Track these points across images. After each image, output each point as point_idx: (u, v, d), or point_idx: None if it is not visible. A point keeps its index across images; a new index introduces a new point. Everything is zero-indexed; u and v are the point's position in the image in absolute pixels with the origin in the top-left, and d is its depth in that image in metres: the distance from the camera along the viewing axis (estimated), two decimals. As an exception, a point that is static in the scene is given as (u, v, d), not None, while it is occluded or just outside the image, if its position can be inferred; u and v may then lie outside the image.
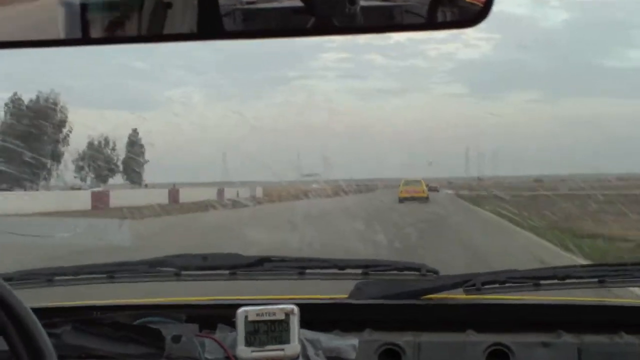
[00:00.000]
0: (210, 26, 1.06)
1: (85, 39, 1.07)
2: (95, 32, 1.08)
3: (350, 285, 2.37)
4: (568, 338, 2.04)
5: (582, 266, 2.46)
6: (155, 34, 1.07)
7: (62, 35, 1.07)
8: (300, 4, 1.08)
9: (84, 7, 1.07)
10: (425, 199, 41.39)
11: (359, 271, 2.43)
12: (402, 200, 41.46)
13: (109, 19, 1.08)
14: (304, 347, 1.98)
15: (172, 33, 1.08)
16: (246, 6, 1.09)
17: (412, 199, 40.51)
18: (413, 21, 1.09)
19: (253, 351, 1.91)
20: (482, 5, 1.06)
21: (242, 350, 1.92)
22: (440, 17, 1.09)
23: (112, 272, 2.46)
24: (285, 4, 1.10)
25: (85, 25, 1.07)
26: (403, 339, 2.07)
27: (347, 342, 2.05)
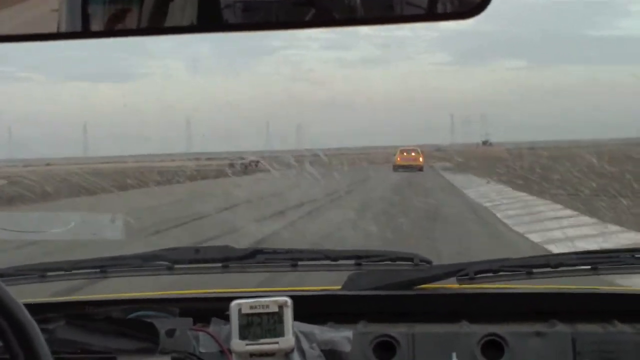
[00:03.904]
0: (211, 18, 1.05)
1: (85, 33, 1.06)
2: (95, 26, 1.07)
3: (343, 276, 2.37)
4: (562, 327, 2.05)
5: (575, 253, 2.46)
6: (156, 27, 1.07)
7: (63, 28, 1.06)
8: None
9: (84, 1, 1.06)
10: (420, 169, 39.85)
11: (352, 262, 2.43)
12: (397, 168, 40.23)
13: (109, 12, 1.08)
14: (298, 340, 1.98)
15: (173, 26, 1.07)
16: None
17: (409, 167, 39.61)
18: (413, 12, 1.09)
19: (247, 344, 1.91)
20: None
21: (236, 343, 1.91)
22: (440, 8, 1.09)
23: (105, 266, 2.45)
24: None
25: (85, 19, 1.06)
26: (397, 330, 2.07)
27: (342, 335, 2.05)
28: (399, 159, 42.91)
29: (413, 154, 43.31)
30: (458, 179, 31.03)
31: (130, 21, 1.06)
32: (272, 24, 1.10)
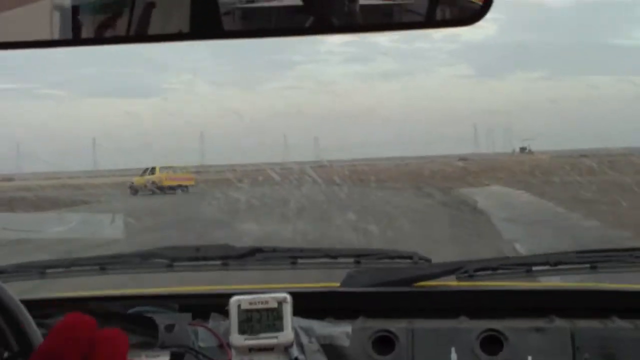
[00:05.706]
0: (209, 25, 1.05)
1: (79, 40, 1.06)
2: (89, 33, 1.06)
3: (342, 274, 2.38)
4: (561, 323, 2.06)
5: (574, 252, 2.46)
6: (153, 34, 1.06)
7: (56, 35, 1.06)
8: (299, 2, 1.07)
9: (81, 9, 1.06)
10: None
11: (351, 260, 2.44)
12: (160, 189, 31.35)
13: (106, 19, 1.08)
14: (297, 335, 1.99)
15: (169, 33, 1.07)
16: (245, 5, 1.08)
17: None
18: (412, 19, 1.09)
19: (246, 339, 1.91)
20: (482, 3, 1.06)
21: (235, 337, 1.92)
22: (439, 15, 1.09)
23: (105, 264, 2.46)
24: (285, 2, 1.09)
25: (77, 27, 1.06)
26: (396, 325, 2.08)
27: (341, 329, 2.06)
28: (167, 178, 33.82)
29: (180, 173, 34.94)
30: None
31: (127, 28, 1.05)
32: (271, 31, 1.09)
